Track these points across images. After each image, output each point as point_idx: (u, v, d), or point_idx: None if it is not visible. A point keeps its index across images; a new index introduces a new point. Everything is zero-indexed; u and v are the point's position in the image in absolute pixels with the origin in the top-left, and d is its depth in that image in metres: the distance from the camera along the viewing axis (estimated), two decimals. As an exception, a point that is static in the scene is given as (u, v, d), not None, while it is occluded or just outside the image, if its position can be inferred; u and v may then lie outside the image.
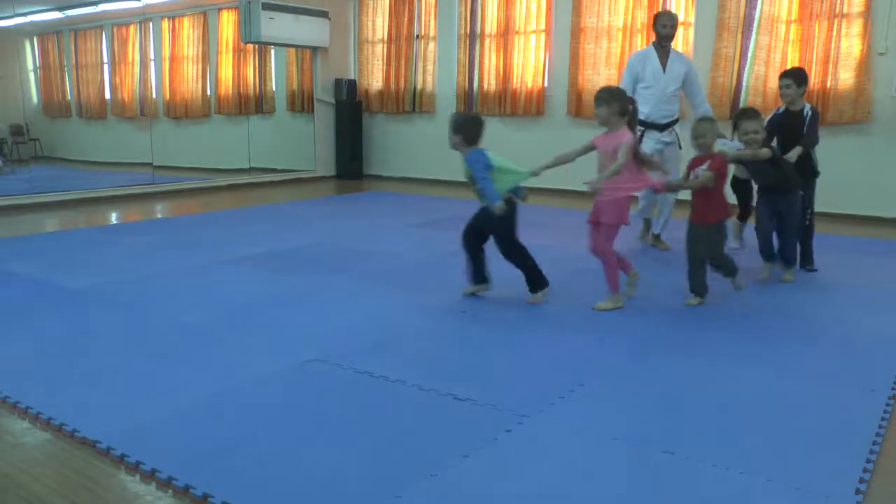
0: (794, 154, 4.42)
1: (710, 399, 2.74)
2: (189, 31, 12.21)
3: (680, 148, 5.38)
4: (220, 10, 11.54)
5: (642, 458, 2.28)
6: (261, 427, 2.47)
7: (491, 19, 8.97)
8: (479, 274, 4.03)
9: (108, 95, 13.46)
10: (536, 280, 3.97)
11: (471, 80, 9.18)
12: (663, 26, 5.21)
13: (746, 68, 7.29)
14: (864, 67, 6.70)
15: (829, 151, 7.13)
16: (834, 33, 6.81)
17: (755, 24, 7.21)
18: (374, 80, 10.20)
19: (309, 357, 3.12)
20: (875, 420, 2.56)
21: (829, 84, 6.88)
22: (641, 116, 5.05)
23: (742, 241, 5.24)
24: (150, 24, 12.50)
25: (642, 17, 7.86)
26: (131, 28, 12.79)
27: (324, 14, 9.76)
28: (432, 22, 9.49)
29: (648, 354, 3.23)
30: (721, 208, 3.92)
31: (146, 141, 10.41)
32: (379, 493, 2.05)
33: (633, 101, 4.07)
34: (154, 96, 12.90)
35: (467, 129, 3.86)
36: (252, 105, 11.27)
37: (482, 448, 2.32)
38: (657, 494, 2.07)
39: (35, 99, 14.42)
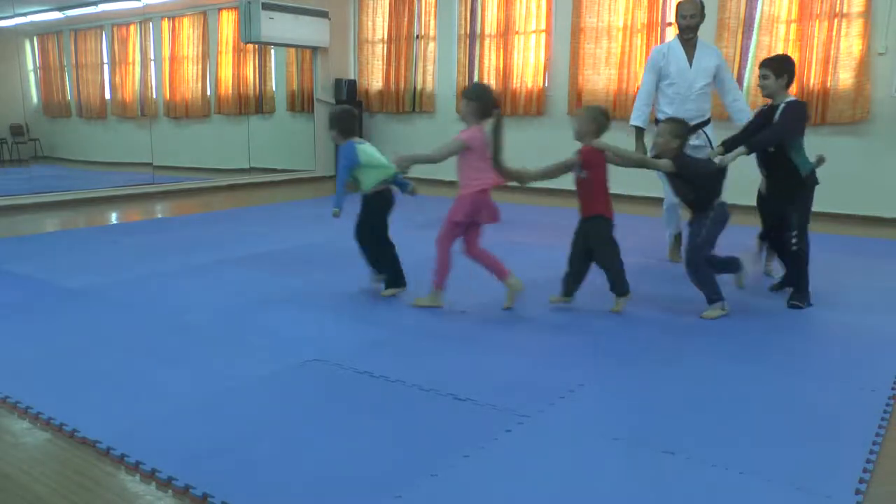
0: (730, 157, 3.84)
1: (710, 399, 2.74)
2: (189, 31, 12.21)
3: (712, 149, 4.56)
4: (220, 10, 11.54)
5: (642, 458, 2.28)
6: (261, 427, 2.48)
7: (491, 19, 8.97)
8: (377, 266, 4.18)
9: (108, 95, 13.47)
10: (398, 278, 4.11)
11: (471, 81, 9.17)
12: (683, 17, 4.71)
13: (747, 68, 7.28)
14: (864, 67, 6.70)
15: (829, 151, 7.09)
16: (834, 33, 6.81)
17: (755, 25, 7.21)
18: (374, 80, 10.20)
19: (309, 357, 3.12)
20: (875, 420, 2.56)
21: (828, 84, 6.87)
22: (663, 117, 4.61)
23: (768, 266, 4.60)
24: (150, 24, 12.50)
25: (642, 17, 7.85)
26: (131, 28, 12.78)
27: (324, 14, 9.76)
28: (432, 22, 9.48)
29: (648, 355, 3.23)
30: (598, 203, 3.79)
31: (146, 141, 10.40)
32: (379, 493, 2.05)
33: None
34: (154, 96, 12.90)
35: (342, 121, 4.05)
36: (252, 105, 11.27)
37: (482, 448, 2.32)
38: (657, 494, 2.07)
39: (35, 99, 14.42)
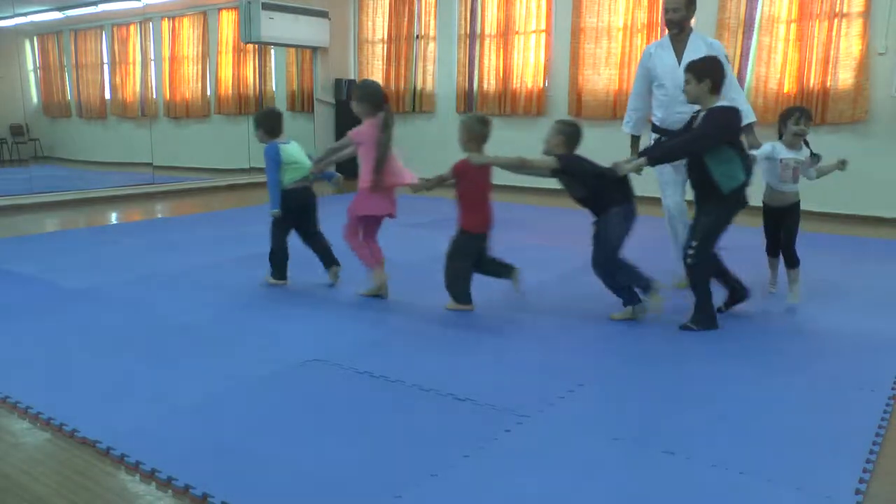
0: (628, 167, 3.49)
1: (710, 399, 2.74)
2: (189, 31, 12.21)
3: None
4: (220, 10, 11.54)
5: (642, 458, 2.28)
6: (261, 427, 2.47)
7: (491, 19, 8.97)
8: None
9: (108, 95, 13.47)
10: (330, 260, 4.33)
11: (471, 81, 9.18)
12: (666, 11, 4.23)
13: (748, 69, 7.28)
14: (864, 67, 6.70)
15: (829, 151, 7.11)
16: (834, 33, 6.81)
17: (756, 25, 7.21)
18: (374, 80, 10.19)
19: (309, 357, 3.12)
20: (875, 420, 2.56)
21: (828, 84, 6.88)
22: (655, 121, 4.32)
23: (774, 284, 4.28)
24: (150, 24, 12.50)
25: (642, 17, 7.85)
26: (131, 28, 12.78)
27: (324, 14, 9.76)
28: (432, 22, 9.48)
29: (648, 355, 3.23)
30: (463, 216, 3.74)
31: (146, 141, 10.40)
32: (379, 493, 2.05)
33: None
34: (154, 96, 12.91)
35: (266, 121, 4.22)
36: (252, 105, 11.26)
37: (482, 448, 2.32)
38: (657, 494, 2.07)
39: (35, 99, 14.42)
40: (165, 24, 12.39)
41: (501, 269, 3.88)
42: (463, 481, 2.13)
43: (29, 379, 2.89)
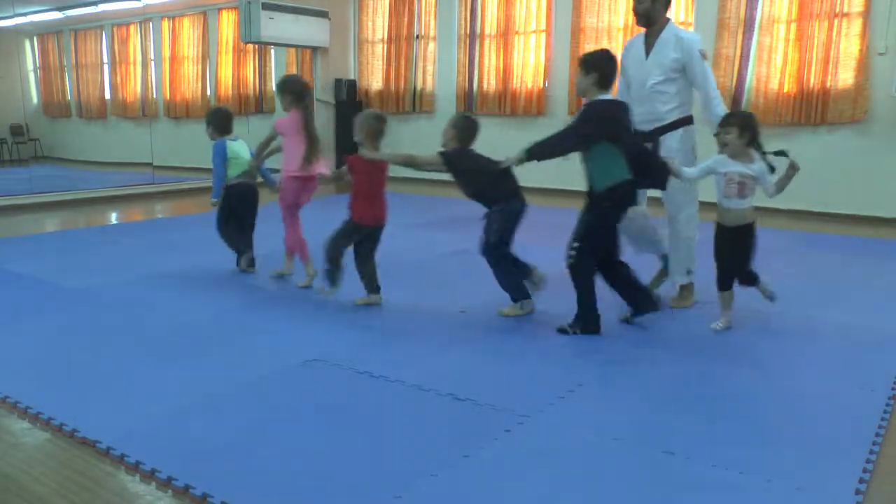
0: (511, 160, 3.49)
1: (710, 399, 2.74)
2: (189, 31, 12.21)
3: (695, 157, 3.92)
4: (220, 10, 11.54)
5: (642, 458, 2.28)
6: (261, 427, 2.48)
7: (491, 19, 8.97)
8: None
9: (108, 95, 13.47)
10: (246, 255, 4.60)
11: (470, 81, 9.18)
12: (634, 2, 3.91)
13: (749, 69, 7.28)
14: (864, 67, 6.70)
15: (829, 151, 7.18)
16: (834, 33, 6.81)
17: (756, 25, 7.20)
18: (374, 80, 10.20)
19: (309, 357, 3.12)
20: (875, 420, 2.56)
21: (828, 84, 6.88)
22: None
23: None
24: (150, 24, 12.50)
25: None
26: (131, 28, 12.79)
27: (324, 14, 9.76)
28: (432, 22, 9.49)
29: (648, 355, 3.23)
30: (356, 208, 3.84)
31: (146, 141, 10.40)
32: (379, 493, 2.05)
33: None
34: (154, 96, 12.92)
35: (216, 120, 4.56)
36: (252, 105, 11.27)
37: (482, 448, 2.32)
38: (657, 495, 2.07)
39: (35, 99, 14.44)
40: (165, 24, 12.40)
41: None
42: (463, 481, 2.13)
43: (29, 379, 2.89)
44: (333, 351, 3.20)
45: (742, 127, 3.36)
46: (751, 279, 3.59)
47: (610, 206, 3.41)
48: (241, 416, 2.56)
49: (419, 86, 9.71)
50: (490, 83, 9.04)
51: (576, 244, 3.42)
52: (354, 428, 2.47)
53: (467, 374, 2.96)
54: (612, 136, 3.34)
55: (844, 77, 6.82)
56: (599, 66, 3.36)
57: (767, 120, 7.18)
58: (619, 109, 3.44)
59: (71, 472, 2.19)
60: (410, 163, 3.78)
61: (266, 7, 8.95)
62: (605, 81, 3.37)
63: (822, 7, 6.83)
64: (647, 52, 3.87)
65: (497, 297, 3.96)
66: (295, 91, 4.15)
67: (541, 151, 3.45)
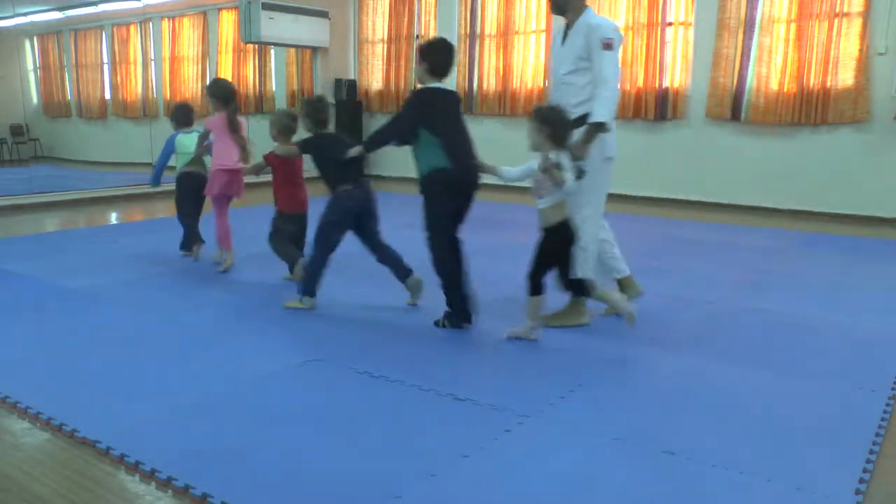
0: (352, 151, 3.61)
1: (710, 399, 2.74)
2: (189, 31, 12.20)
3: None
4: (220, 10, 11.54)
5: (642, 458, 2.28)
6: (261, 427, 2.47)
7: (491, 19, 8.97)
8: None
9: (108, 95, 13.47)
10: (190, 239, 5.01)
11: (470, 80, 9.18)
12: None
13: (749, 69, 7.28)
14: (864, 67, 6.70)
15: (829, 151, 7.18)
16: (834, 33, 6.81)
17: (756, 25, 7.20)
18: (374, 80, 10.20)
19: (309, 357, 3.12)
20: (875, 420, 2.56)
21: (828, 84, 6.88)
22: None
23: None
24: (150, 24, 12.50)
25: (642, 17, 7.84)
26: (131, 28, 12.79)
27: (324, 14, 9.76)
28: (432, 22, 9.48)
29: (648, 355, 3.23)
30: (280, 199, 4.31)
31: (146, 141, 10.40)
32: (379, 493, 2.05)
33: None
34: (154, 96, 12.91)
35: (175, 114, 5.09)
36: (252, 105, 11.26)
37: (482, 448, 2.32)
38: (657, 494, 2.07)
39: (35, 99, 14.43)
40: (165, 24, 12.39)
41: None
42: (463, 481, 2.13)
43: (29, 379, 2.89)
44: (333, 351, 3.20)
45: (542, 121, 3.14)
46: (579, 288, 3.35)
47: (439, 189, 3.42)
48: (241, 416, 2.56)
49: (419, 86, 9.69)
50: (490, 83, 9.04)
51: (428, 234, 3.53)
52: (354, 428, 2.47)
53: (467, 374, 2.96)
54: (429, 124, 3.39)
55: (844, 77, 6.82)
56: (432, 56, 3.44)
57: (768, 120, 7.18)
58: (429, 96, 3.46)
59: (71, 472, 2.19)
60: (287, 155, 4.11)
61: (266, 7, 8.95)
62: (438, 70, 3.45)
63: (822, 7, 6.83)
64: (564, 41, 3.72)
65: (497, 297, 3.96)
66: (218, 95, 4.59)
67: (372, 142, 3.61)
